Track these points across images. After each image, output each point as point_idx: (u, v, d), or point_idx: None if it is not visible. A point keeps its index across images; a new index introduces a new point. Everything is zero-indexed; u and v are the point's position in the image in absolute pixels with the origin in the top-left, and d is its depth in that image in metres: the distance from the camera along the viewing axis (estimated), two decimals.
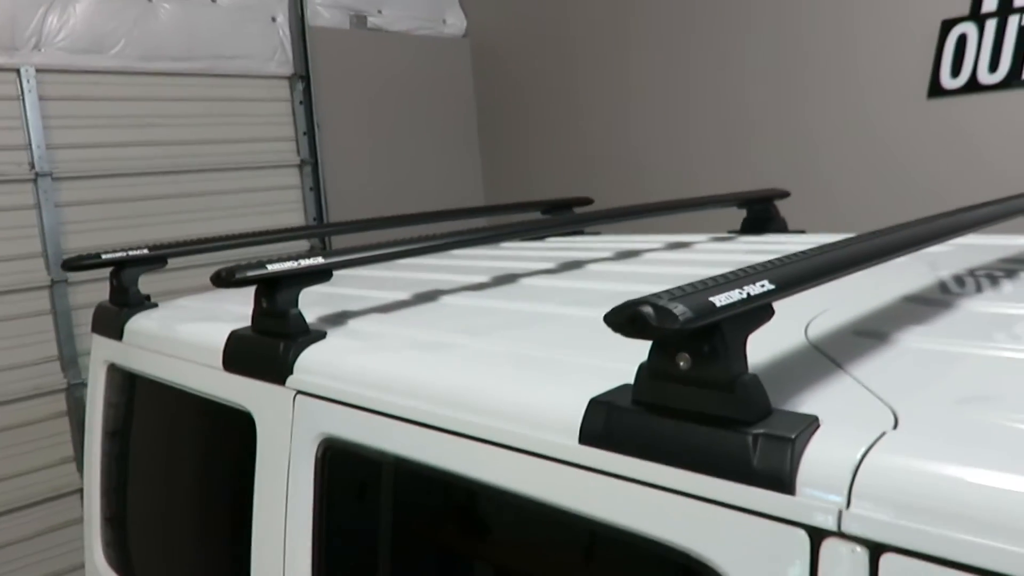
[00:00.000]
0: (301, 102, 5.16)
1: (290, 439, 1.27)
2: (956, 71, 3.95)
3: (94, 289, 4.11)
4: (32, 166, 4.17)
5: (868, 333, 1.06)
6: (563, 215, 2.56)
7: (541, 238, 2.44)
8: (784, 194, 2.32)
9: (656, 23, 5.01)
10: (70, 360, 4.34)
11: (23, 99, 4.13)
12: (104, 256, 1.82)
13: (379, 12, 5.53)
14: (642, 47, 5.10)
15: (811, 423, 0.76)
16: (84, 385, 4.34)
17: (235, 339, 1.42)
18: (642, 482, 0.82)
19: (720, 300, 0.77)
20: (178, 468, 1.70)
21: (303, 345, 1.31)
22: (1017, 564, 0.60)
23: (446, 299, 1.59)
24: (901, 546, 0.66)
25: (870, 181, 4.22)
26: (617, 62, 5.21)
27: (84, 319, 4.30)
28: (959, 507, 0.64)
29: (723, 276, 0.83)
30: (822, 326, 1.10)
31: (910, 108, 4.09)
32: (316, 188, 5.23)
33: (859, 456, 0.71)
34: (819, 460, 0.72)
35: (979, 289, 1.32)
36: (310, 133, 5.20)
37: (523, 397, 0.97)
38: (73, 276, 4.25)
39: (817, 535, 0.70)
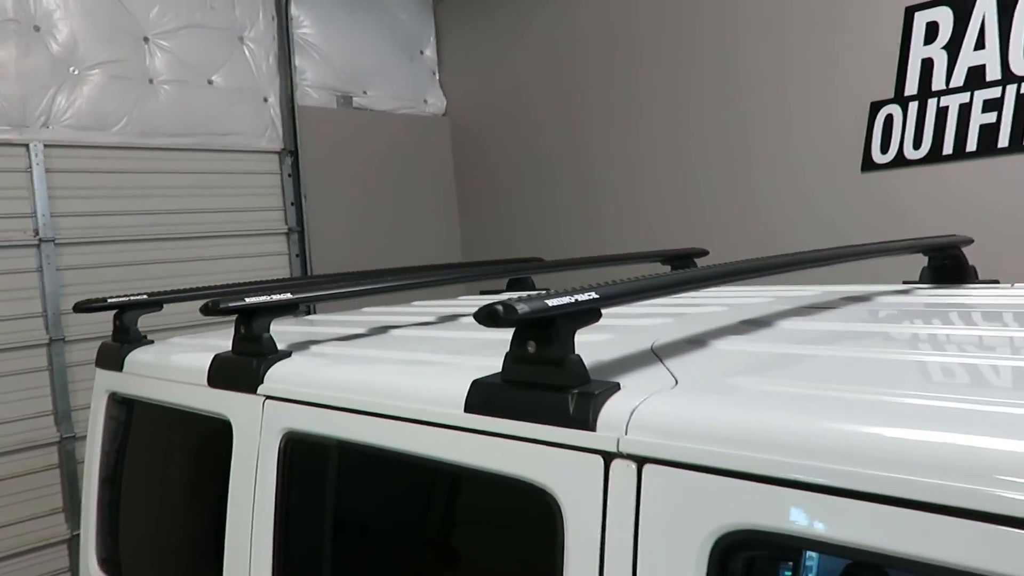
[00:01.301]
0: (289, 175, 5.60)
1: (259, 435, 1.61)
2: (885, 147, 4.40)
3: (88, 348, 4.43)
4: (36, 232, 4.54)
5: (696, 341, 1.42)
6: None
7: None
8: (703, 252, 2.69)
9: (610, 102, 5.51)
10: (63, 415, 4.63)
11: (31, 171, 4.54)
12: (109, 300, 2.18)
13: (364, 93, 6.02)
14: (598, 123, 5.60)
15: (613, 386, 1.12)
16: (76, 439, 4.64)
17: (218, 360, 1.78)
18: (505, 435, 1.17)
19: (553, 303, 1.13)
20: (165, 475, 2.03)
21: (272, 362, 1.66)
22: (713, 458, 0.95)
23: (392, 331, 1.95)
24: (653, 457, 1.00)
25: (811, 244, 4.62)
26: (577, 136, 5.71)
27: (79, 375, 4.63)
28: (687, 432, 0.99)
29: (565, 289, 1.19)
30: (666, 337, 1.46)
31: (846, 180, 4.52)
32: (302, 254, 5.62)
33: (636, 404, 1.06)
34: (611, 408, 1.08)
35: (796, 315, 1.68)
36: (297, 203, 5.62)
37: (429, 385, 1.33)
38: (69, 335, 4.59)
39: (607, 457, 1.05)
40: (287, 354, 1.70)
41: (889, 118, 4.37)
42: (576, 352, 1.14)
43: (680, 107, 5.18)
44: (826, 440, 0.89)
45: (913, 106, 4.29)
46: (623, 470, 1.03)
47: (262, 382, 1.63)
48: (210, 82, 5.26)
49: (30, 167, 4.54)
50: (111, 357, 2.20)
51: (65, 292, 4.62)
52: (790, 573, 0.94)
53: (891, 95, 4.35)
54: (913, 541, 0.80)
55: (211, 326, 2.24)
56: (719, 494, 0.94)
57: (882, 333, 1.44)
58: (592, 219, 5.68)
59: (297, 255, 5.63)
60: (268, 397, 1.61)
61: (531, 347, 1.16)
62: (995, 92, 4.03)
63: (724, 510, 0.94)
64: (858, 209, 4.48)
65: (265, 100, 5.51)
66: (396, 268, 2.79)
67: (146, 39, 5.00)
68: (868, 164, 4.45)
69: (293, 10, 5.61)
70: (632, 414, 1.05)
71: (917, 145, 4.30)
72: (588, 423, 1.07)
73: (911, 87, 4.30)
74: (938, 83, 4.21)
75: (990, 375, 1.15)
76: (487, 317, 1.11)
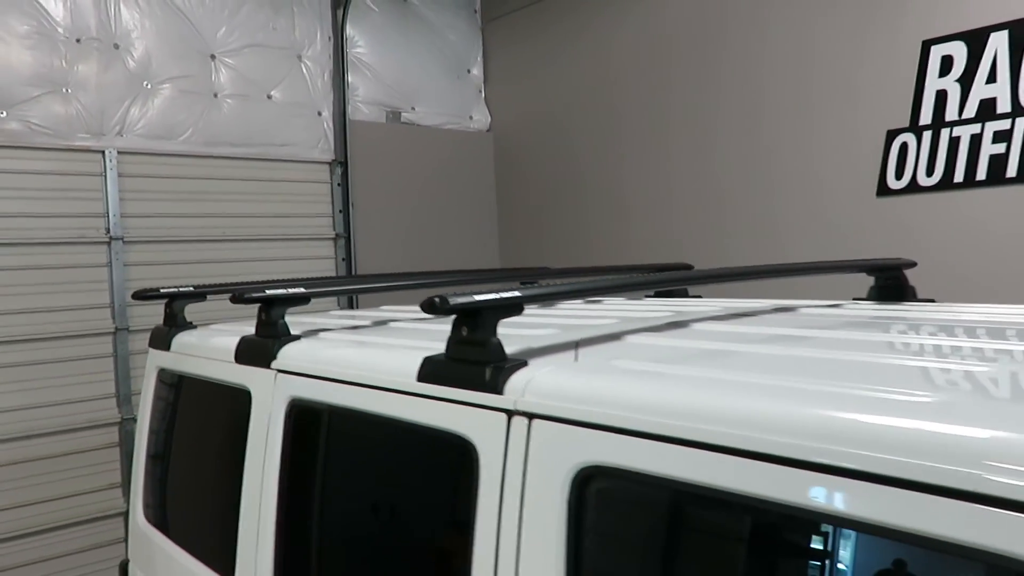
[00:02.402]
0: (339, 184, 6.08)
1: (271, 402, 2.01)
2: (899, 174, 4.64)
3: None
4: (108, 231, 5.09)
5: (615, 336, 1.77)
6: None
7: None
8: (687, 266, 3.02)
9: (642, 125, 5.86)
10: (125, 398, 5.16)
11: (105, 176, 5.10)
12: (162, 290, 2.63)
13: (413, 108, 6.48)
14: (632, 141, 5.94)
15: (522, 363, 1.48)
16: (135, 420, 5.16)
17: (243, 341, 2.19)
18: (444, 399, 1.54)
19: (480, 297, 1.50)
20: (201, 436, 2.46)
21: (284, 343, 2.07)
22: (574, 413, 1.30)
23: (389, 324, 2.34)
24: (539, 413, 1.36)
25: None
26: (610, 155, 6.08)
27: (140, 363, 5.14)
28: (562, 395, 1.35)
29: (495, 288, 1.56)
30: (596, 332, 1.81)
31: (862, 204, 4.77)
32: (348, 259, 6.09)
33: (532, 376, 1.42)
34: (516, 379, 1.44)
35: (716, 320, 2.00)
36: (345, 211, 6.09)
37: (394, 361, 1.71)
38: (133, 325, 5.13)
39: (509, 414, 1.41)
40: (297, 337, 2.10)
41: (904, 146, 4.61)
42: (498, 337, 1.51)
43: (707, 132, 5.50)
44: (648, 401, 1.24)
45: (927, 135, 4.53)
46: (519, 424, 1.39)
47: (275, 359, 2.04)
48: (269, 97, 5.78)
49: (104, 171, 5.10)
50: (161, 339, 2.65)
51: (130, 286, 5.14)
52: (625, 497, 1.28)
53: (907, 124, 4.59)
54: (707, 472, 1.13)
55: (247, 316, 2.67)
56: (578, 440, 1.29)
57: (772, 334, 1.76)
58: (621, 233, 6.02)
59: (343, 259, 6.10)
60: (280, 371, 2.02)
61: (464, 331, 1.53)
62: (1005, 124, 4.25)
63: (581, 452, 1.29)
64: (873, 232, 4.72)
65: (319, 114, 6.00)
66: (413, 272, 3.19)
67: (213, 56, 5.53)
68: (883, 189, 4.70)
69: (349, 31, 6.10)
70: (528, 383, 1.41)
71: (930, 173, 4.52)
72: (498, 389, 1.44)
73: (926, 117, 4.53)
74: (951, 114, 4.44)
75: (829, 365, 1.46)
76: (428, 307, 1.49)
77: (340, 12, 6.04)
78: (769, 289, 3.26)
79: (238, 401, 2.14)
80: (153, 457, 2.62)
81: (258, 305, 2.14)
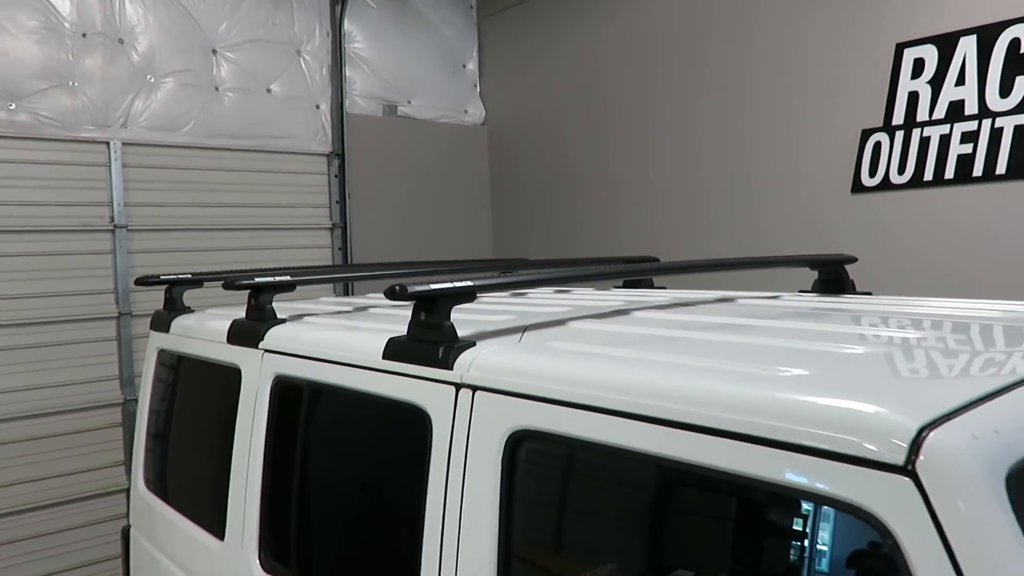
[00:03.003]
0: (336, 175, 6.32)
1: (259, 378, 2.26)
2: (873, 172, 4.86)
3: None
4: (112, 219, 5.34)
5: (561, 321, 2.01)
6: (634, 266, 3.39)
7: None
8: (653, 259, 3.26)
9: (628, 120, 6.10)
10: (128, 380, 5.42)
11: (110, 166, 5.34)
12: (163, 277, 2.88)
13: (409, 102, 6.71)
14: (620, 136, 6.18)
15: (471, 343, 1.72)
16: (137, 401, 5.42)
17: (235, 324, 2.44)
18: (404, 374, 1.78)
19: (435, 286, 1.74)
20: (196, 410, 2.71)
21: (271, 325, 2.32)
22: (508, 385, 1.54)
23: (368, 310, 2.58)
24: (481, 386, 1.61)
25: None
26: (601, 147, 6.33)
27: (142, 346, 5.38)
28: (500, 370, 1.59)
29: (450, 278, 1.80)
30: (545, 318, 2.05)
31: (838, 200, 4.99)
32: (344, 248, 6.34)
33: (477, 354, 1.66)
34: (464, 357, 1.68)
35: (657, 309, 2.24)
36: (342, 202, 6.33)
37: (364, 342, 1.95)
38: (136, 310, 5.39)
39: (457, 387, 1.66)
40: (283, 321, 2.35)
41: (878, 145, 4.83)
42: (451, 321, 1.75)
43: (692, 128, 5.73)
44: (569, 375, 1.48)
45: (900, 135, 4.75)
46: (465, 395, 1.64)
47: (262, 340, 2.29)
48: (269, 90, 6.01)
49: (109, 162, 5.34)
50: (161, 322, 2.90)
51: (134, 272, 5.39)
52: (548, 456, 1.53)
53: (880, 124, 4.81)
54: (615, 435, 1.36)
55: (241, 302, 2.92)
56: (511, 408, 1.54)
57: (700, 321, 2.00)
58: (609, 224, 6.26)
59: (340, 248, 6.35)
60: (266, 351, 2.26)
61: (422, 316, 1.77)
62: (972, 125, 4.47)
63: (513, 418, 1.53)
64: (848, 227, 4.95)
65: (317, 107, 6.24)
66: (401, 262, 3.44)
67: (214, 51, 5.77)
68: (858, 186, 4.92)
69: (347, 26, 6.33)
70: (474, 360, 1.65)
71: (902, 171, 4.75)
72: (448, 365, 1.68)
73: (898, 117, 4.75)
74: (922, 115, 4.65)
75: (732, 348, 1.69)
76: (390, 294, 1.73)
77: (338, 8, 6.27)
78: (735, 281, 3.50)
79: (229, 378, 2.39)
80: (153, 430, 2.87)
81: (248, 291, 2.39)
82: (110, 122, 5.36)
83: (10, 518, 5.03)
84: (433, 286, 1.73)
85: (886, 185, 4.81)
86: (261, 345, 2.28)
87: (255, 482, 2.21)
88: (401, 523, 1.81)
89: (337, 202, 6.35)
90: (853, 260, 2.73)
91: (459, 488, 1.60)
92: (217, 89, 5.80)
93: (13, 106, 4.99)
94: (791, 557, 1.21)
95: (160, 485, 2.85)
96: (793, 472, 1.12)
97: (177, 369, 2.83)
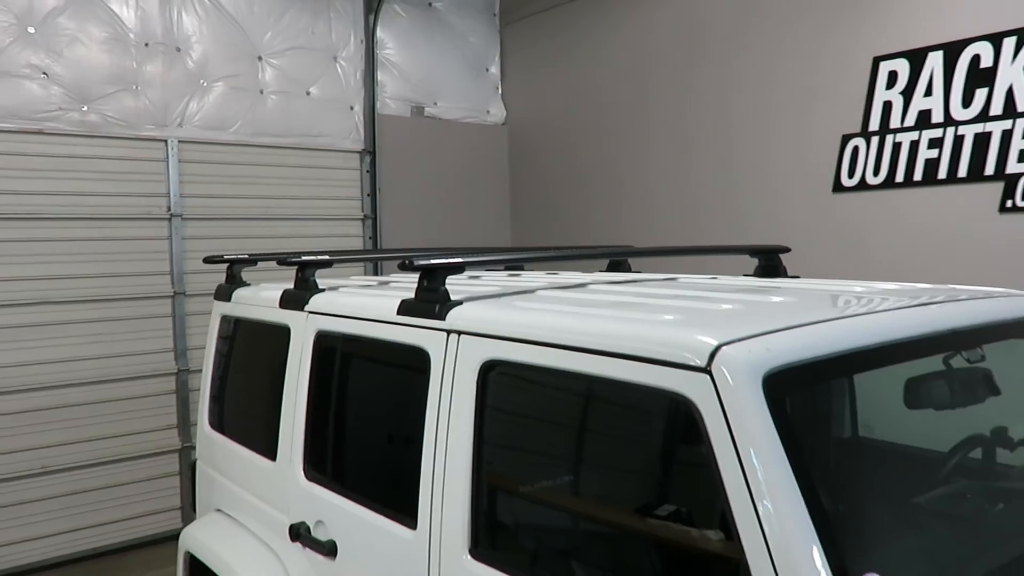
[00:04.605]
0: (368, 171, 7.07)
1: (304, 335, 2.99)
2: (851, 173, 5.49)
3: (202, 302, 6.00)
4: (169, 209, 6.14)
5: (531, 292, 2.71)
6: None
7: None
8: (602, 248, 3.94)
9: (630, 123, 6.78)
10: (181, 352, 6.22)
11: (167, 161, 6.14)
12: (226, 256, 3.63)
13: (435, 104, 7.45)
14: (624, 138, 6.87)
15: (459, 303, 2.43)
16: (189, 372, 6.22)
17: (286, 293, 3.19)
18: (412, 325, 2.50)
19: (434, 261, 2.46)
20: (252, 364, 3.46)
21: (313, 294, 3.06)
22: (481, 328, 2.25)
23: (390, 283, 3.31)
24: (464, 331, 2.32)
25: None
26: (610, 147, 7.03)
27: (194, 323, 6.21)
28: (475, 320, 2.30)
29: (444, 252, 2.51)
30: (518, 289, 2.76)
31: (819, 199, 5.63)
32: (374, 237, 7.09)
33: (463, 310, 2.37)
34: (454, 312, 2.40)
35: (605, 283, 2.92)
36: (373, 195, 7.09)
37: (385, 303, 2.67)
38: (189, 290, 6.18)
39: (447, 333, 2.38)
40: (323, 290, 3.08)
41: (856, 149, 5.46)
42: (446, 287, 2.46)
43: (686, 132, 6.43)
44: (521, 321, 2.18)
45: (875, 140, 5.37)
46: (453, 339, 2.35)
47: (307, 304, 3.02)
48: (308, 93, 6.78)
49: (167, 158, 6.14)
50: (224, 293, 3.66)
51: (187, 257, 6.20)
52: (509, 377, 2.25)
53: (858, 130, 5.44)
54: (549, 359, 2.06)
55: (284, 278, 3.66)
56: (483, 345, 2.25)
57: (635, 291, 2.68)
58: (616, 217, 6.97)
59: (370, 238, 7.11)
60: (310, 312, 3.00)
61: (425, 283, 2.49)
62: (938, 133, 5.08)
63: (485, 352, 2.24)
64: (829, 223, 5.59)
65: (351, 108, 7.00)
66: (423, 248, 4.16)
67: (259, 58, 6.54)
68: (838, 186, 5.55)
69: (379, 34, 7.08)
70: (460, 314, 2.37)
71: (876, 173, 5.37)
72: (442, 318, 2.40)
73: (874, 124, 5.37)
74: (895, 122, 5.27)
75: (645, 307, 2.38)
76: (401, 267, 2.45)
77: (371, 17, 7.02)
78: (712, 266, 4.16)
79: (280, 336, 3.13)
80: (215, 380, 3.64)
81: (296, 267, 3.13)
82: (168, 122, 6.14)
83: (78, 471, 5.84)
84: (433, 261, 2.45)
85: (863, 186, 5.43)
86: (306, 308, 3.02)
87: (301, 414, 2.94)
88: (408, 434, 2.53)
89: (368, 195, 7.10)
90: (786, 250, 3.40)
91: (448, 403, 2.32)
92: (262, 92, 6.57)
93: (85, 108, 5.79)
94: (648, 425, 1.93)
95: (221, 423, 3.61)
96: (645, 376, 1.82)
97: (236, 330, 3.59)
